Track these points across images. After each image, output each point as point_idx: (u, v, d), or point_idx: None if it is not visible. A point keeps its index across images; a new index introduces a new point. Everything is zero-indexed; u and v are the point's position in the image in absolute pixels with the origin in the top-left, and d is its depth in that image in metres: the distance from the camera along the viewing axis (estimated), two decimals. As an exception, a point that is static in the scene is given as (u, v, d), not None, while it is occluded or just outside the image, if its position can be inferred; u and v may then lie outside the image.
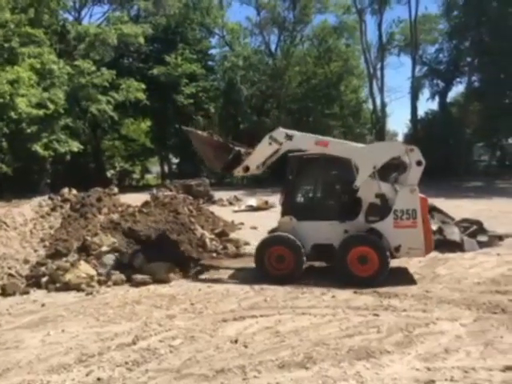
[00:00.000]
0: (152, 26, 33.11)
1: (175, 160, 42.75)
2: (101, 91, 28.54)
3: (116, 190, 13.92)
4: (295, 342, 5.37)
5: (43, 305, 7.29)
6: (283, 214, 8.48)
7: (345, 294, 7.15)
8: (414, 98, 36.72)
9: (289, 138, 8.23)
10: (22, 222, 10.49)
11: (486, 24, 30.41)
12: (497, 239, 10.61)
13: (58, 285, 8.09)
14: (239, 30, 40.62)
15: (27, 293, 7.97)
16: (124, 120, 36.48)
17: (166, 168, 42.15)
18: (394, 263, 8.05)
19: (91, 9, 36.05)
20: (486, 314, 6.10)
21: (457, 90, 52.72)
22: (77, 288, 7.99)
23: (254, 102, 39.21)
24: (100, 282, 8.25)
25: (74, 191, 12.91)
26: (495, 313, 6.13)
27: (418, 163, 7.84)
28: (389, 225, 7.80)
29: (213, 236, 11.58)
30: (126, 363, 4.99)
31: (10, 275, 8.31)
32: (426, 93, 38.26)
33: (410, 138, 34.59)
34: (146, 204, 12.32)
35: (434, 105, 37.93)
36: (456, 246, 9.92)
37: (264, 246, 8.22)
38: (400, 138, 48.48)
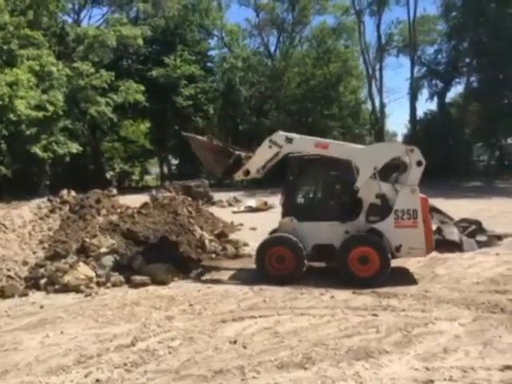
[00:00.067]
0: (151, 28, 33.19)
1: (174, 161, 42.82)
2: (100, 93, 28.60)
3: (115, 191, 13.91)
4: (294, 343, 5.37)
5: (42, 306, 7.28)
6: (284, 214, 8.47)
7: (344, 295, 7.15)
8: (413, 98, 36.83)
9: (289, 140, 8.25)
10: (20, 224, 10.48)
11: (484, 25, 30.46)
12: (496, 239, 10.61)
13: (56, 286, 8.08)
14: (238, 32, 40.72)
15: (26, 294, 7.95)
16: (123, 121, 36.56)
17: (166, 169, 42.19)
18: (394, 263, 8.04)
19: (90, 11, 36.23)
20: (485, 314, 6.10)
21: (456, 90, 52.61)
22: (76, 289, 7.97)
23: (253, 103, 39.27)
24: (99, 284, 8.24)
25: (73, 193, 12.90)
26: (494, 312, 6.13)
27: (419, 163, 7.85)
28: (389, 225, 7.80)
29: (212, 237, 11.58)
30: (125, 364, 4.98)
31: (9, 277, 8.29)
32: (424, 93, 38.58)
33: (409, 139, 34.60)
34: (144, 205, 12.32)
35: (432, 105, 38.11)
36: (455, 246, 9.90)
37: (265, 246, 8.22)
38: (399, 138, 48.60)
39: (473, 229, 10.63)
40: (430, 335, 5.45)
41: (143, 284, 8.18)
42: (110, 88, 29.20)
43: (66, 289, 8.00)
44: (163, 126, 37.62)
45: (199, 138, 9.44)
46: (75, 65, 27.76)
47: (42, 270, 8.58)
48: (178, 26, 36.75)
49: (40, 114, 23.19)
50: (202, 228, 11.88)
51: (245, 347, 5.30)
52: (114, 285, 8.26)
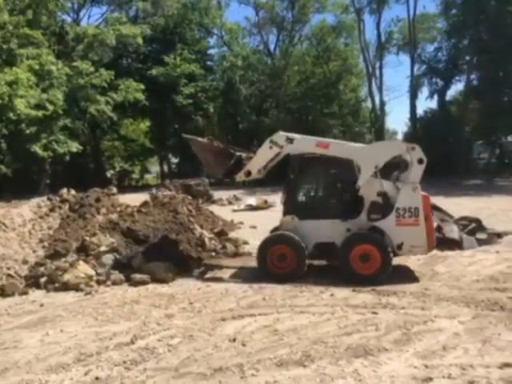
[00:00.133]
0: (150, 27, 33.16)
1: (175, 160, 42.81)
2: (99, 92, 28.60)
3: (115, 190, 13.92)
4: (293, 341, 5.37)
5: (42, 305, 7.28)
6: (285, 213, 8.47)
7: (343, 293, 7.15)
8: (413, 96, 36.82)
9: (289, 141, 8.26)
10: (20, 223, 10.49)
11: (484, 22, 30.42)
12: (496, 237, 10.57)
13: (56, 285, 8.08)
14: (238, 30, 40.70)
15: (26, 293, 7.95)
16: (123, 120, 36.55)
17: (166, 168, 42.20)
18: (394, 261, 8.04)
19: (89, 10, 36.29)
20: (485, 312, 6.10)
21: (456, 88, 52.65)
22: (76, 288, 7.98)
23: (252, 102, 39.26)
24: (99, 282, 8.24)
25: (73, 192, 12.91)
26: (494, 310, 6.13)
27: (420, 161, 7.85)
28: (391, 223, 7.80)
29: (212, 235, 11.58)
30: (125, 362, 4.99)
31: (9, 276, 8.29)
32: (424, 91, 38.52)
33: (409, 137, 34.66)
34: (144, 204, 12.33)
35: (433, 103, 38.00)
36: (455, 244, 9.86)
37: (266, 244, 8.22)
38: (400, 136, 48.60)
39: (473, 227, 10.59)
40: (430, 333, 5.45)
41: (143, 282, 8.18)
42: (110, 87, 29.20)
43: (66, 287, 8.00)
44: (163, 125, 37.62)
45: (199, 139, 9.44)
46: (75, 64, 27.75)
47: (41, 269, 8.58)
48: (177, 24, 36.71)
49: (40, 113, 23.20)
50: (201, 226, 11.89)
51: (244, 345, 5.31)
52: (114, 283, 8.26)
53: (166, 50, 35.06)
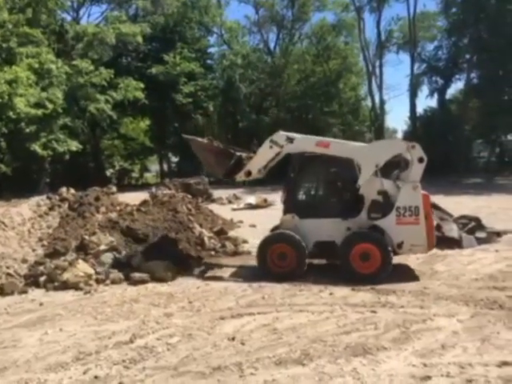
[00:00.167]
0: (150, 25, 33.12)
1: (174, 159, 42.80)
2: (99, 90, 28.58)
3: (114, 188, 13.93)
4: (292, 339, 5.37)
5: (41, 304, 7.28)
6: (285, 211, 8.47)
7: (342, 291, 7.15)
8: (413, 95, 36.79)
9: (289, 140, 8.26)
10: (20, 222, 10.49)
11: (484, 21, 30.39)
12: (495, 236, 10.57)
13: (56, 284, 8.08)
14: (238, 29, 40.65)
15: (25, 292, 7.95)
16: (123, 119, 36.54)
17: (166, 167, 42.20)
18: (393, 260, 8.04)
19: (89, 8, 36.16)
20: (484, 310, 6.11)
21: (456, 87, 52.69)
22: (75, 287, 7.97)
23: (252, 101, 39.23)
24: (98, 281, 8.24)
25: (72, 190, 12.91)
26: (492, 309, 6.14)
27: (420, 160, 7.85)
28: (391, 222, 7.80)
29: (211, 234, 11.57)
30: (124, 361, 4.99)
31: (9, 274, 8.29)
32: (424, 90, 38.49)
33: (409, 136, 34.60)
34: (144, 203, 12.33)
35: (433, 102, 38.08)
36: (454, 243, 9.86)
37: (266, 243, 8.22)
38: (399, 135, 48.55)
39: (472, 225, 10.59)
40: (428, 331, 5.46)
41: (142, 281, 8.18)
42: (110, 85, 29.18)
43: (66, 286, 8.00)
44: (163, 124, 37.61)
45: (199, 139, 9.43)
46: (74, 62, 27.73)
47: (41, 268, 8.58)
48: (177, 23, 36.67)
49: (39, 112, 23.19)
50: (201, 225, 11.89)
51: (243, 344, 5.31)
52: (113, 282, 8.26)
53: (166, 49, 35.02)
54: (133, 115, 37.77)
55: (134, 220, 10.48)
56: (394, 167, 8.59)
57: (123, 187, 26.81)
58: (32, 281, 8.32)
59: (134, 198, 14.42)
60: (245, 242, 11.22)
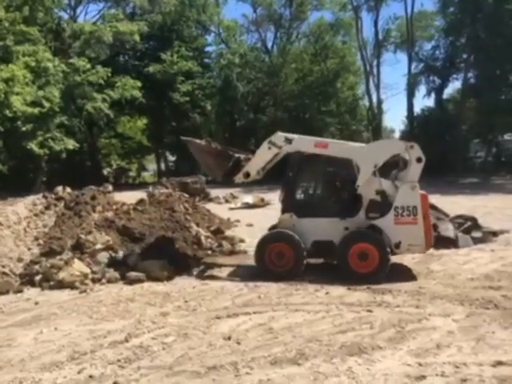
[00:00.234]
0: (147, 24, 33.07)
1: (172, 158, 42.76)
2: (96, 89, 28.53)
3: (110, 187, 13.89)
4: (288, 339, 5.37)
5: (37, 303, 7.25)
6: (283, 210, 8.46)
7: (338, 291, 7.15)
8: (411, 94, 36.80)
9: (288, 141, 8.26)
10: (15, 221, 10.44)
11: (481, 20, 30.45)
12: (491, 235, 10.63)
13: (51, 283, 8.06)
14: (235, 28, 40.62)
15: (21, 291, 7.92)
16: (120, 118, 36.51)
17: (163, 166, 42.16)
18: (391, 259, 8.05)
19: (86, 6, 36.09)
20: (479, 310, 6.12)
21: (453, 86, 52.82)
22: (71, 286, 7.95)
23: (250, 100, 39.20)
24: (94, 280, 8.21)
25: (68, 189, 12.87)
26: (488, 308, 6.15)
27: (418, 160, 7.87)
28: (389, 221, 7.80)
29: (208, 233, 11.56)
30: (119, 360, 4.97)
31: (4, 273, 8.26)
32: (422, 89, 38.42)
33: (406, 135, 34.63)
34: (140, 202, 12.30)
35: (430, 101, 37.96)
36: (450, 243, 9.90)
37: (264, 242, 8.22)
38: (397, 134, 48.63)
39: (468, 225, 10.65)
40: (424, 331, 5.46)
41: (138, 280, 8.16)
42: (107, 84, 29.14)
43: (61, 285, 7.98)
44: (160, 123, 37.57)
45: (197, 141, 9.40)
46: (71, 61, 27.69)
47: (36, 267, 8.55)
48: (174, 21, 36.63)
49: (36, 111, 23.13)
50: (198, 224, 11.87)
51: (239, 343, 5.30)
52: (109, 281, 8.24)
53: (163, 47, 34.98)
54: (130, 114, 37.73)
55: (130, 219, 10.46)
56: (392, 167, 8.60)
57: (120, 186, 26.78)
58: (27, 280, 8.30)
59: (130, 197, 14.39)
60: (242, 241, 11.21)
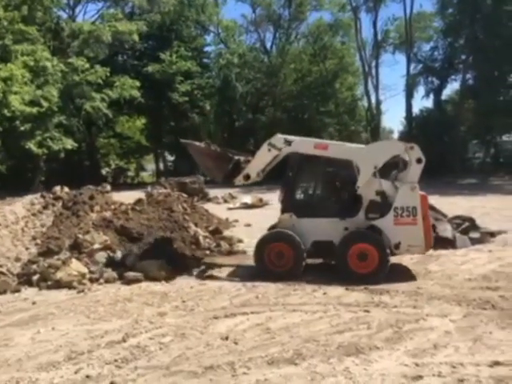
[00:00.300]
0: (146, 24, 33.04)
1: (170, 158, 42.71)
2: (95, 89, 28.50)
3: (108, 187, 13.85)
4: (285, 339, 5.37)
5: (34, 303, 7.25)
6: (283, 211, 8.46)
7: (336, 291, 7.16)
8: (409, 95, 36.82)
9: (288, 143, 8.26)
10: (13, 220, 10.42)
11: (480, 22, 30.48)
12: (489, 236, 10.64)
13: (49, 283, 8.05)
14: (234, 28, 40.62)
15: (18, 291, 7.91)
16: (119, 117, 36.48)
17: (162, 165, 42.11)
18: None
19: (85, 6, 36.00)
20: (476, 310, 6.13)
21: (451, 87, 52.88)
22: (68, 286, 7.94)
23: (249, 100, 39.20)
24: (92, 280, 8.21)
25: (66, 189, 12.84)
26: (485, 309, 6.16)
27: (418, 161, 7.89)
28: (389, 222, 7.81)
29: (206, 233, 11.54)
30: (116, 360, 4.97)
31: (1, 273, 8.24)
32: (420, 90, 38.40)
33: (405, 136, 34.66)
34: (139, 202, 12.29)
35: (428, 102, 37.93)
36: (448, 243, 9.91)
37: (264, 242, 8.22)
38: (396, 135, 48.67)
39: (466, 226, 10.65)
40: (421, 331, 5.47)
41: (136, 280, 8.15)
42: (106, 84, 29.10)
43: (59, 285, 7.97)
44: (159, 122, 37.55)
45: (197, 144, 9.40)
46: (70, 60, 27.65)
47: (34, 267, 8.54)
48: (173, 21, 36.61)
49: (34, 110, 23.09)
50: (196, 224, 11.85)
51: (236, 343, 5.31)
52: (107, 281, 8.23)
53: (162, 47, 34.97)
54: (129, 114, 37.70)
55: (128, 219, 10.44)
56: (392, 168, 8.61)
57: (119, 186, 26.74)
58: (25, 279, 8.29)
59: (129, 196, 14.36)
60: (240, 241, 11.21)
